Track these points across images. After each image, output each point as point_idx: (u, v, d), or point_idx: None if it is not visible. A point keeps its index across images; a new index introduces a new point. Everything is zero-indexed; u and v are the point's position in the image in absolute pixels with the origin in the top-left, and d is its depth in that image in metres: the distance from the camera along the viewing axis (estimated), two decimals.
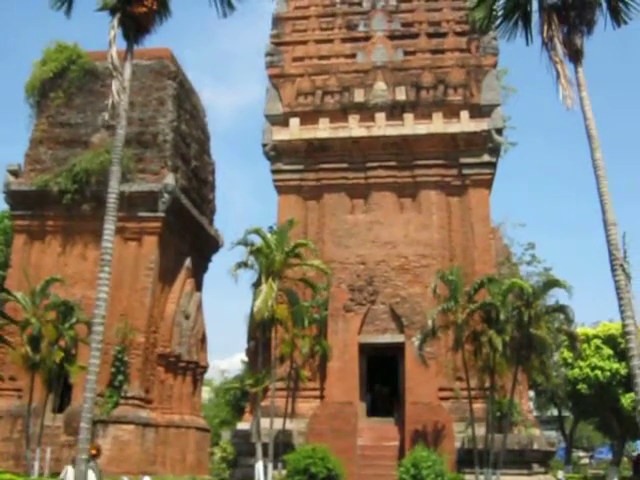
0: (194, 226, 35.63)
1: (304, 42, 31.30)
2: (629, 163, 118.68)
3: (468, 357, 23.70)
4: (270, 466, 23.78)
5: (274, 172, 30.05)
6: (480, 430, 23.85)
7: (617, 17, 17.72)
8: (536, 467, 25.61)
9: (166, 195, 31.65)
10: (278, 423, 25.15)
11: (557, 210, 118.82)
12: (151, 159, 32.78)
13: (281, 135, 29.87)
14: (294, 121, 29.98)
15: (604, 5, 17.63)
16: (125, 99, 17.66)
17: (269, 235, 26.01)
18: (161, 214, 31.66)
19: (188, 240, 35.42)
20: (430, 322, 23.30)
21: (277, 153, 29.92)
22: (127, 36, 18.35)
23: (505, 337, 22.34)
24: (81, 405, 15.73)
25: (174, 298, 33.23)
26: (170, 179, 31.96)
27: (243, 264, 25.23)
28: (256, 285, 25.18)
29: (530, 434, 25.73)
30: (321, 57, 30.99)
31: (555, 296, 29.94)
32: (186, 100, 36.14)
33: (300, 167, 29.90)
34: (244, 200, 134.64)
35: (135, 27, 18.25)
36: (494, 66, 30.15)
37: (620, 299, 9.05)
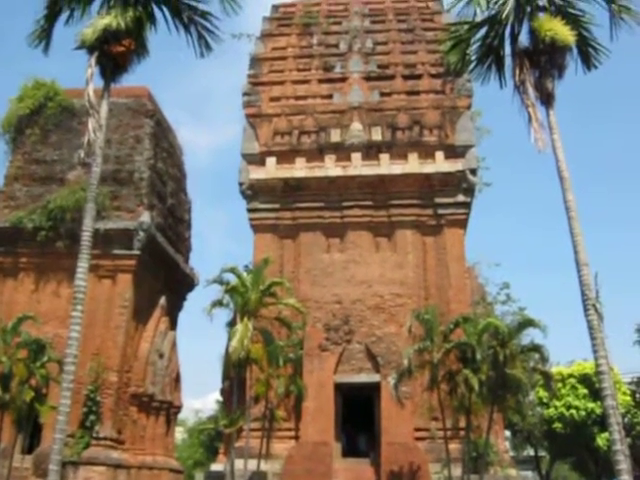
0: (169, 264, 35.39)
1: (281, 82, 31.64)
2: (601, 194, 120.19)
3: (444, 397, 23.62)
4: None
5: (250, 211, 30.10)
6: (456, 471, 23.69)
7: (587, 62, 18.14)
8: None
9: (141, 233, 31.43)
10: (252, 464, 24.84)
11: (531, 250, 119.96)
12: (127, 197, 32.61)
13: (257, 174, 29.99)
14: (271, 160, 30.15)
15: (574, 50, 18.05)
16: (101, 137, 17.67)
17: (244, 274, 25.95)
18: (136, 252, 31.41)
19: (163, 278, 35.14)
20: (406, 361, 23.23)
21: (253, 192, 30.00)
22: (104, 74, 18.43)
23: (481, 376, 22.32)
24: (51, 446, 15.46)
25: (148, 337, 32.82)
26: (146, 217, 31.81)
27: (218, 303, 25.12)
28: (231, 324, 25.07)
29: (507, 474, 25.61)
30: (298, 97, 31.31)
31: (530, 335, 29.99)
32: (163, 138, 36.17)
33: (276, 206, 29.98)
34: (220, 239, 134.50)
35: (112, 66, 18.35)
36: (468, 108, 30.64)
37: (593, 339, 9.12)
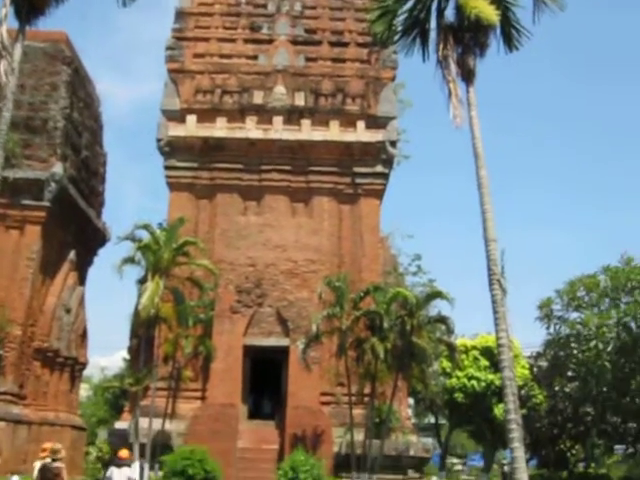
0: (81, 218, 34.52)
1: (206, 39, 30.98)
2: (513, 185, 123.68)
3: (351, 363, 24.04)
4: (147, 467, 23.35)
5: (167, 168, 29.57)
6: (359, 435, 24.23)
7: (509, 43, 18.43)
8: (411, 472, 26.27)
9: (53, 184, 30.51)
10: (157, 423, 24.74)
11: (444, 225, 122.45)
12: (39, 146, 31.53)
13: (177, 131, 29.43)
14: (191, 118, 29.61)
15: (498, 30, 18.31)
16: (13, 81, 16.95)
17: (158, 232, 25.60)
18: (46, 203, 30.49)
19: (73, 232, 34.26)
20: (315, 327, 23.50)
21: (172, 149, 29.46)
22: (19, 15, 17.60)
23: (387, 345, 22.81)
24: None
25: (55, 291, 32.06)
26: (58, 168, 30.86)
27: (129, 260, 24.72)
28: (142, 282, 24.73)
29: (407, 440, 26.36)
30: (222, 56, 30.75)
31: (437, 307, 30.85)
32: (80, 87, 35.00)
33: (194, 165, 29.54)
34: (138, 196, 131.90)
35: (28, 6, 17.54)
36: (392, 79, 30.78)
37: (496, 312, 9.41)
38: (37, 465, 13.93)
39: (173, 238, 24.71)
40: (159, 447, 24.24)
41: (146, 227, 25.11)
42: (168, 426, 25.46)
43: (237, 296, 27.51)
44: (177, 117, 29.68)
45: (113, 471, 14.82)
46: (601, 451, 31.99)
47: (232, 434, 25.54)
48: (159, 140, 29.51)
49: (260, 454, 25.45)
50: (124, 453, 15.52)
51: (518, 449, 8.59)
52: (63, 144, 31.93)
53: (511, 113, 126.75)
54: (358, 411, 25.07)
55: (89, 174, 35.87)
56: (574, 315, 25.26)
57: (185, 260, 25.17)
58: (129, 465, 15.34)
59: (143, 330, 24.88)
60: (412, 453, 26.06)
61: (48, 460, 13.44)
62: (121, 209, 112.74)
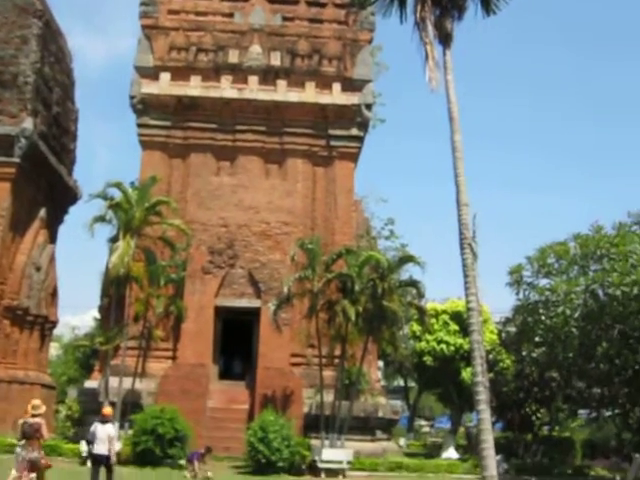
0: (51, 175, 34.06)
1: None
2: (488, 150, 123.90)
3: (322, 325, 24.14)
4: (116, 426, 23.37)
5: (140, 126, 29.20)
6: (329, 397, 24.44)
7: (487, 6, 18.32)
8: (379, 433, 26.65)
9: (23, 140, 30.01)
10: (127, 383, 24.76)
11: (418, 189, 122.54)
12: (9, 101, 30.94)
13: (150, 88, 29.00)
14: (165, 76, 29.18)
15: None
16: None
17: (130, 190, 25.36)
18: (16, 160, 30.01)
19: (44, 189, 33.82)
20: (286, 289, 23.52)
21: (145, 107, 29.06)
22: None
23: (358, 307, 22.88)
24: None
25: (25, 249, 31.72)
26: (29, 123, 30.34)
27: (101, 218, 24.52)
28: (113, 241, 24.55)
29: (376, 402, 26.67)
30: (198, 13, 30.24)
31: (409, 271, 30.99)
32: (52, 42, 34.28)
33: (167, 123, 29.18)
34: (108, 154, 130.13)
35: None
36: (370, 42, 30.55)
37: (466, 276, 9.47)
38: (20, 422, 14.21)
39: (145, 197, 24.49)
40: (129, 406, 24.28)
41: (118, 185, 24.84)
42: (138, 385, 25.48)
43: (209, 257, 27.45)
44: (151, 74, 29.24)
45: (97, 427, 15.42)
46: (565, 415, 32.62)
47: (202, 394, 25.67)
48: (132, 97, 29.08)
49: (230, 414, 25.64)
50: (108, 410, 16.23)
51: (484, 411, 8.70)
52: (34, 99, 31.36)
53: (488, 77, 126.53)
54: (328, 373, 25.27)
55: (60, 131, 35.33)
56: (544, 282, 25.55)
57: (157, 220, 25.00)
58: (112, 422, 16.00)
59: (114, 289, 24.75)
60: (381, 415, 26.40)
61: (29, 417, 13.69)
62: (92, 167, 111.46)
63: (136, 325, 26.18)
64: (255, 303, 27.33)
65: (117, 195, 24.71)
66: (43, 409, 13.98)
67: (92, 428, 15.60)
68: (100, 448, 15.19)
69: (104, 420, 15.56)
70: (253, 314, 27.44)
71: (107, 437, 15.17)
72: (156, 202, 24.60)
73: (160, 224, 25.22)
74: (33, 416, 13.60)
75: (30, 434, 13.33)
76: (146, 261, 24.91)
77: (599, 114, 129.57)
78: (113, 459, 15.53)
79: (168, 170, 28.97)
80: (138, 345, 26.01)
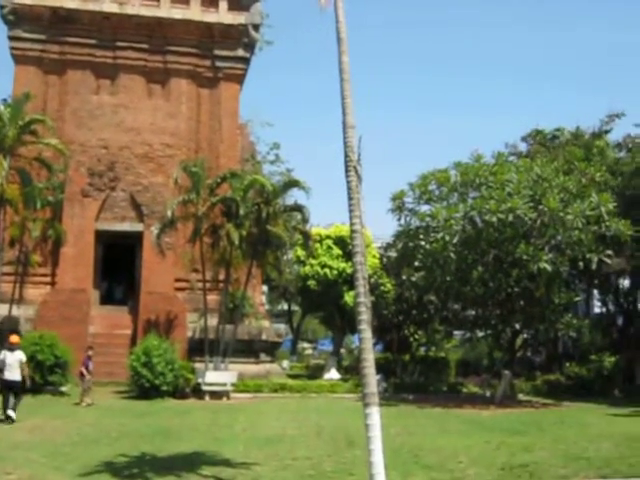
0: None
1: None
2: (376, 70, 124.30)
3: (206, 249, 23.94)
4: None
5: (11, 39, 27.51)
6: (213, 321, 24.49)
7: None
8: (263, 356, 27.07)
9: None
10: (4, 309, 23.95)
11: (307, 114, 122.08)
12: None
13: None
14: None
15: None
16: None
17: (2, 107, 23.94)
18: None
19: None
20: (169, 212, 23.05)
21: (17, 18, 27.29)
22: None
23: (242, 232, 22.78)
24: None
25: None
26: None
27: None
28: None
29: (260, 326, 26.98)
30: None
31: (294, 196, 31.11)
32: None
33: (42, 37, 27.54)
34: None
35: None
36: None
37: (350, 199, 9.47)
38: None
39: (19, 115, 23.17)
40: (6, 333, 23.46)
41: None
42: (16, 312, 24.67)
43: (89, 179, 26.56)
44: None
45: (6, 354, 16.06)
46: (441, 336, 33.99)
47: (83, 319, 25.19)
48: (2, 7, 27.23)
49: (112, 339, 25.33)
50: (14, 338, 16.75)
51: (366, 330, 8.88)
52: None
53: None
54: (212, 297, 25.27)
55: None
56: (425, 208, 26.13)
57: (32, 139, 23.78)
58: (19, 349, 16.59)
59: None
60: (264, 338, 26.77)
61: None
62: None
63: (12, 250, 25.17)
64: (137, 227, 26.78)
65: None
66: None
67: (1, 356, 16.09)
68: (12, 374, 15.82)
69: (12, 347, 16.16)
70: (135, 238, 26.91)
71: (18, 363, 15.90)
72: (31, 120, 23.34)
73: (36, 144, 24.00)
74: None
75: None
76: (21, 183, 23.79)
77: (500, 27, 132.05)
78: (28, 383, 16.53)
79: (44, 87, 27.52)
80: (14, 271, 25.06)
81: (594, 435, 15.41)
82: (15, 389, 15.94)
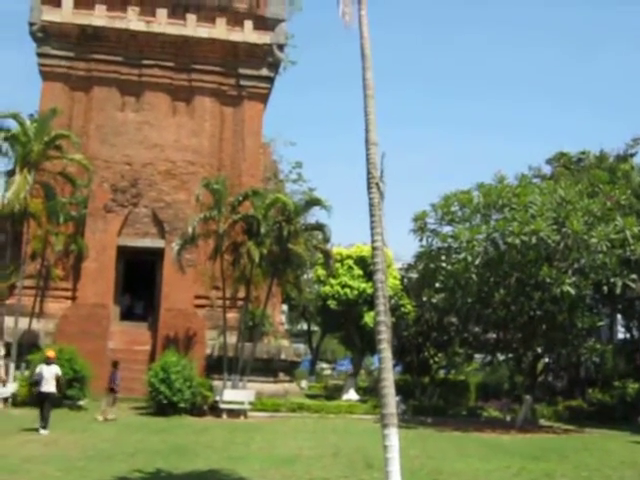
0: None
1: None
2: (399, 90, 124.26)
3: (226, 267, 23.92)
4: (12, 366, 22.70)
5: (40, 56, 27.85)
6: (232, 338, 24.40)
7: None
8: (282, 375, 26.90)
9: None
10: (24, 323, 24.00)
11: (329, 134, 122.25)
12: None
13: (51, 16, 27.55)
14: (67, 2, 27.75)
15: None
16: None
17: (28, 122, 24.20)
18: None
19: None
20: (191, 229, 23.08)
21: (46, 35, 27.65)
22: None
23: (263, 250, 22.75)
24: None
25: None
26: None
27: None
28: (9, 175, 23.48)
29: (279, 345, 26.84)
30: None
31: (316, 215, 30.99)
32: None
33: (70, 54, 27.88)
34: (5, 84, 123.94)
35: None
36: None
37: (372, 216, 9.40)
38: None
39: (45, 130, 23.41)
40: (26, 346, 23.58)
41: (15, 116, 23.62)
42: (36, 325, 24.77)
43: (112, 195, 26.70)
44: (52, 0, 27.71)
45: (43, 368, 17.28)
46: (462, 359, 33.63)
47: (103, 335, 25.22)
48: (32, 24, 27.59)
49: (132, 355, 25.30)
50: (51, 353, 18.08)
51: (386, 350, 8.76)
52: None
53: (403, 12, 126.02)
54: (232, 315, 25.20)
55: None
56: (447, 229, 25.95)
57: (57, 154, 24.00)
58: (55, 363, 17.79)
59: (10, 225, 23.78)
60: (283, 357, 26.61)
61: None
62: None
63: (33, 263, 25.34)
64: (159, 243, 26.84)
65: (14, 127, 23.53)
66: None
67: (38, 370, 17.37)
68: (48, 387, 16.97)
69: (49, 362, 17.37)
70: (157, 254, 26.96)
71: (54, 376, 17.10)
72: (56, 136, 23.57)
73: (60, 159, 24.24)
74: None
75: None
76: (45, 197, 23.99)
77: (517, 46, 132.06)
78: (62, 392, 18.29)
79: (70, 103, 27.80)
80: (36, 284, 25.21)
81: (617, 463, 15.11)
82: (50, 400, 17.01)
